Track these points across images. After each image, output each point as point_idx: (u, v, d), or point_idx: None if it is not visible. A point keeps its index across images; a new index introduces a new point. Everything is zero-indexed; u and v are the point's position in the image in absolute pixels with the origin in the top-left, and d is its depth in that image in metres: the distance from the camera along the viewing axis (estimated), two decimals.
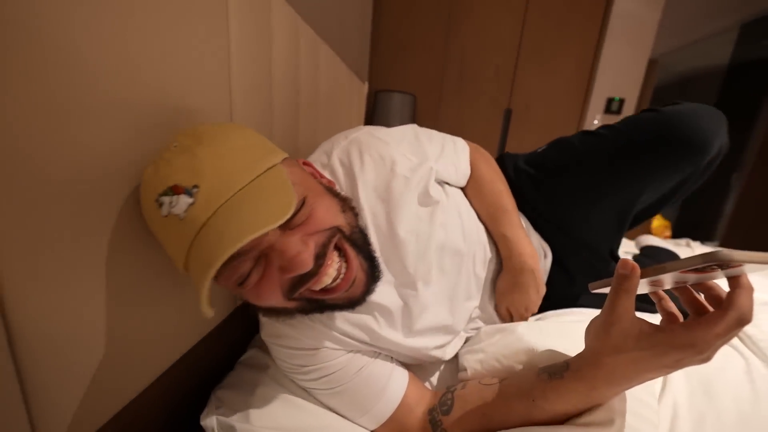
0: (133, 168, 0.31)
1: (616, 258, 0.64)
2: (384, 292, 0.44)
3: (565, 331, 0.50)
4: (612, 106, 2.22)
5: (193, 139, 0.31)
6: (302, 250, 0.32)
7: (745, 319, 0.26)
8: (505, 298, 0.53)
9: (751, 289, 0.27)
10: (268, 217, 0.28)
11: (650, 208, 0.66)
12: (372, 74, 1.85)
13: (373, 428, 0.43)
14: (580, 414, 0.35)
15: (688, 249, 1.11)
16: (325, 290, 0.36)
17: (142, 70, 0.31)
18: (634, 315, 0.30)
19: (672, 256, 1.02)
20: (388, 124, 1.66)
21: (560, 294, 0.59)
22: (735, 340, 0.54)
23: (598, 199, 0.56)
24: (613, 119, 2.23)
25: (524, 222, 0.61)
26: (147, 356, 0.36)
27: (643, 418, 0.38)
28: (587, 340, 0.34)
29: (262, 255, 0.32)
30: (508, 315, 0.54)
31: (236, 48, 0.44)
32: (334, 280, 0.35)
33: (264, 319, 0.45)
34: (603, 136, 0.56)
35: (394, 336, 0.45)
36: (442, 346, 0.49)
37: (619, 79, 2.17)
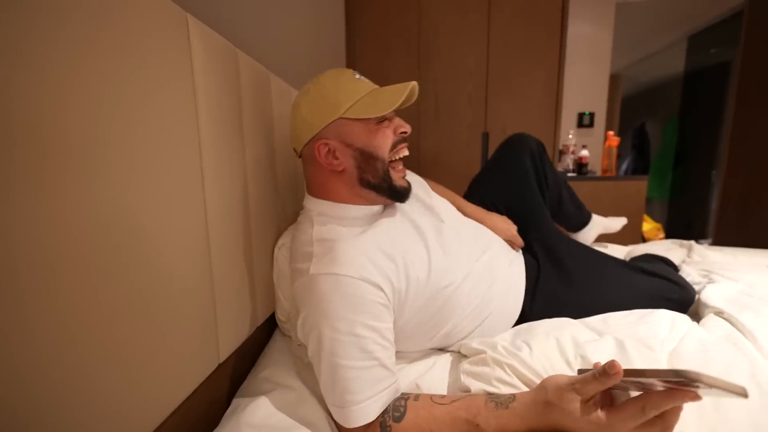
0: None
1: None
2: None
3: (562, 352, 0.50)
4: (584, 120, 2.32)
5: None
6: None
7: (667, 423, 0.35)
8: (496, 229, 0.77)
9: (680, 409, 0.35)
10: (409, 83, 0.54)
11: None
12: None
13: (353, 424, 0.44)
14: None
15: (683, 250, 1.10)
16: (396, 163, 0.58)
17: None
18: (596, 399, 0.37)
19: (667, 263, 1.01)
20: None
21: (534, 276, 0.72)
22: (739, 339, 0.53)
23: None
24: (587, 132, 2.33)
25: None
26: (120, 426, 0.34)
27: None
28: (545, 387, 0.41)
29: (387, 117, 0.57)
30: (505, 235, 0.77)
31: (204, 107, 0.45)
32: (402, 162, 0.60)
33: (344, 250, 0.50)
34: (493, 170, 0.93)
35: (435, 249, 0.58)
36: (462, 279, 0.60)
37: (586, 95, 2.29)
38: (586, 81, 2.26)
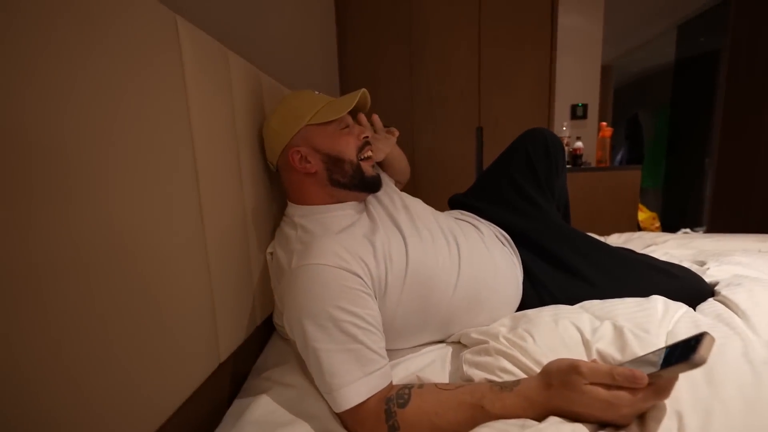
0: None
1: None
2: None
3: (564, 342, 0.51)
4: (577, 111, 2.34)
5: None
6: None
7: (663, 395, 0.37)
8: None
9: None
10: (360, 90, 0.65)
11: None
12: None
13: (344, 406, 0.45)
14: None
15: (688, 238, 1.11)
16: (366, 160, 0.66)
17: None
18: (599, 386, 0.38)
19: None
20: None
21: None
22: (732, 319, 0.54)
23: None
24: (581, 124, 2.35)
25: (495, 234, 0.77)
26: (121, 428, 0.34)
27: (652, 418, 0.37)
28: (548, 371, 0.42)
29: (349, 125, 0.66)
30: None
31: (196, 109, 0.45)
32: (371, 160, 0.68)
33: (321, 243, 0.52)
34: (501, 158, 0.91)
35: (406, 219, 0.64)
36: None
37: (578, 86, 2.31)
38: (578, 72, 2.28)
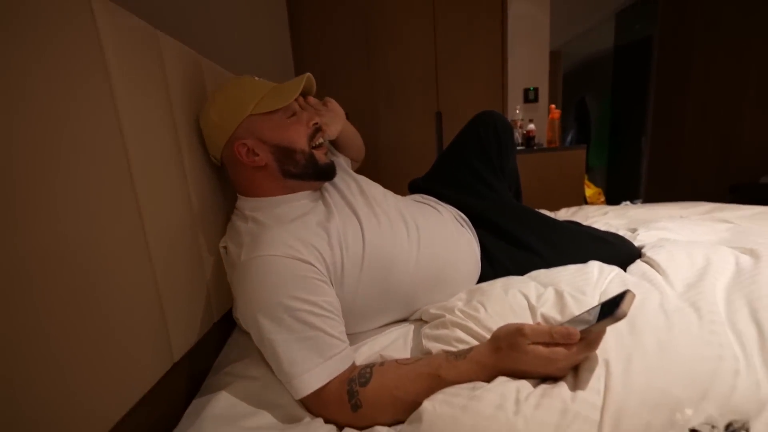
0: None
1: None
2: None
3: (513, 310, 0.55)
4: (529, 95, 2.45)
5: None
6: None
7: (591, 348, 0.42)
8: None
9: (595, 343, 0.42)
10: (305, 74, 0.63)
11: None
12: None
13: (304, 392, 0.46)
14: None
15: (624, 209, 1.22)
16: (319, 148, 0.64)
17: None
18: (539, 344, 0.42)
19: None
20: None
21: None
22: (654, 276, 0.61)
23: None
24: (533, 107, 2.46)
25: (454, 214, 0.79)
26: (71, 429, 0.32)
27: (585, 369, 0.41)
28: (497, 336, 0.45)
29: (296, 113, 0.63)
30: None
31: (122, 98, 0.42)
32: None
33: (271, 234, 0.52)
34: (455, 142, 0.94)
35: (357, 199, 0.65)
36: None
37: (529, 71, 2.41)
38: (529, 58, 2.37)
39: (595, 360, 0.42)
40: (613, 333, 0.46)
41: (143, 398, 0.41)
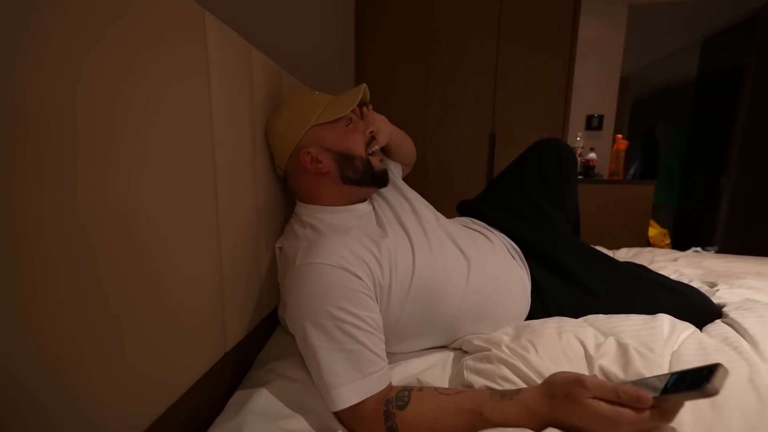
0: None
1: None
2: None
3: (566, 355, 0.50)
4: (592, 122, 2.31)
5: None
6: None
7: (667, 419, 0.37)
8: None
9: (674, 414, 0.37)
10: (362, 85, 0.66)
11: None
12: None
13: (340, 405, 0.45)
14: None
15: (698, 257, 1.10)
16: (374, 155, 0.67)
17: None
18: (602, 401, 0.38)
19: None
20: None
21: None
22: (740, 343, 0.53)
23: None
24: (595, 135, 2.32)
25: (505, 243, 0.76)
26: (127, 411, 0.35)
27: None
28: (551, 382, 0.42)
29: (353, 121, 0.67)
30: None
31: (218, 105, 0.46)
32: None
33: (326, 243, 0.53)
34: (512, 166, 0.90)
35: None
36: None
37: (595, 97, 2.27)
38: (596, 82, 2.24)
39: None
40: (689, 404, 0.40)
41: (195, 384, 0.44)
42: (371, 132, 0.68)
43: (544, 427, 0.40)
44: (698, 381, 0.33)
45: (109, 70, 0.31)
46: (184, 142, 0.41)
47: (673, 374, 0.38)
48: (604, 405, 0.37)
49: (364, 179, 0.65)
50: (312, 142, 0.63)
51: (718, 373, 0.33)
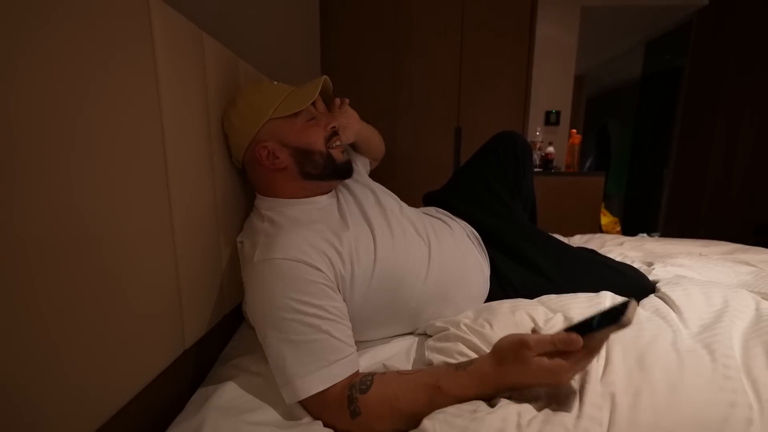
0: None
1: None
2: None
3: (518, 329, 0.54)
4: (550, 118, 2.44)
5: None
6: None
7: (593, 355, 0.41)
8: None
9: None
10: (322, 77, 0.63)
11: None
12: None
13: (306, 393, 0.45)
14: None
15: (641, 241, 1.20)
16: (336, 147, 0.65)
17: None
18: (543, 356, 0.41)
19: None
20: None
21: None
22: (668, 313, 0.60)
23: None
24: (553, 130, 2.45)
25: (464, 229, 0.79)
26: (75, 410, 0.33)
27: (589, 417, 0.41)
28: (499, 348, 0.44)
29: (314, 116, 0.65)
30: None
31: (167, 93, 0.44)
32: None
33: (285, 238, 0.53)
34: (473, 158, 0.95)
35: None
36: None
37: (552, 94, 2.40)
38: (553, 80, 2.37)
39: (599, 392, 0.42)
40: (621, 366, 0.45)
41: (153, 381, 0.43)
42: (333, 127, 0.66)
43: (498, 390, 0.42)
44: (616, 316, 0.38)
45: (50, 59, 0.29)
46: (130, 134, 0.39)
47: (595, 316, 0.42)
48: (545, 361, 0.40)
49: (325, 173, 0.64)
50: (269, 137, 0.61)
51: (630, 307, 0.38)
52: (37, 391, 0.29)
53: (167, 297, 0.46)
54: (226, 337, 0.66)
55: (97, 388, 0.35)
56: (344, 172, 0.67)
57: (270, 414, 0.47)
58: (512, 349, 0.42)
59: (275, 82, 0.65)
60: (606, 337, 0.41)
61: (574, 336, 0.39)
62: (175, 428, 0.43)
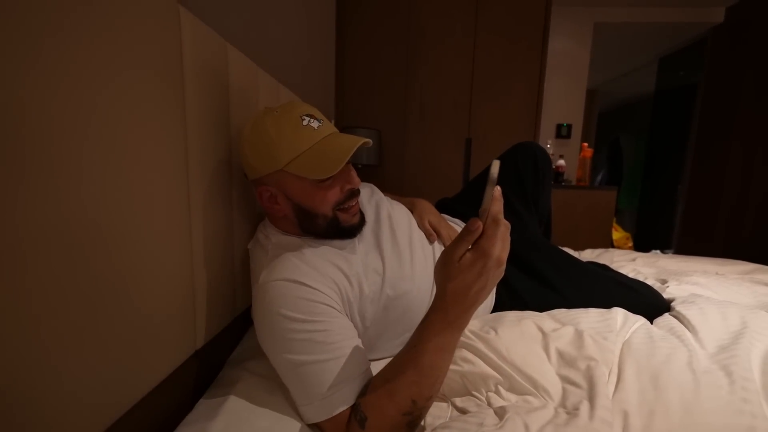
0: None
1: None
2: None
3: (523, 335, 0.53)
4: (562, 131, 2.43)
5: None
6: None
7: (498, 221, 0.39)
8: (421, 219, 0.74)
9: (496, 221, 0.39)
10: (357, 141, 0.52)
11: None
12: (338, 112, 1.95)
13: (330, 414, 0.44)
14: None
15: (654, 257, 1.18)
16: (347, 210, 0.57)
17: None
18: (465, 255, 0.39)
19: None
20: (358, 157, 1.72)
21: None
22: (683, 333, 0.58)
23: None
24: (564, 143, 2.44)
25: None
26: (85, 409, 0.34)
27: (600, 420, 0.40)
28: (434, 279, 0.42)
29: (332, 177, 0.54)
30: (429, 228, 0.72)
31: (192, 101, 0.46)
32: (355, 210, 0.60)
33: (290, 260, 0.51)
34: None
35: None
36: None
37: (564, 107, 2.40)
38: (565, 94, 2.37)
39: (609, 408, 0.41)
40: (635, 385, 0.44)
41: (163, 381, 0.43)
42: (350, 188, 0.56)
43: (467, 312, 0.41)
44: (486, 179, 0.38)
45: (70, 61, 0.31)
46: (156, 137, 0.40)
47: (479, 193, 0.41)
48: (468, 254, 0.38)
49: (327, 234, 0.57)
50: (274, 183, 0.54)
51: (492, 164, 0.38)
52: (48, 389, 0.30)
53: (182, 297, 0.47)
54: (236, 339, 0.67)
55: (108, 387, 0.35)
56: (348, 233, 0.59)
57: (277, 418, 0.47)
58: (440, 271, 0.41)
59: (304, 122, 0.52)
60: (491, 198, 0.39)
61: (472, 219, 0.39)
62: (184, 429, 0.43)
